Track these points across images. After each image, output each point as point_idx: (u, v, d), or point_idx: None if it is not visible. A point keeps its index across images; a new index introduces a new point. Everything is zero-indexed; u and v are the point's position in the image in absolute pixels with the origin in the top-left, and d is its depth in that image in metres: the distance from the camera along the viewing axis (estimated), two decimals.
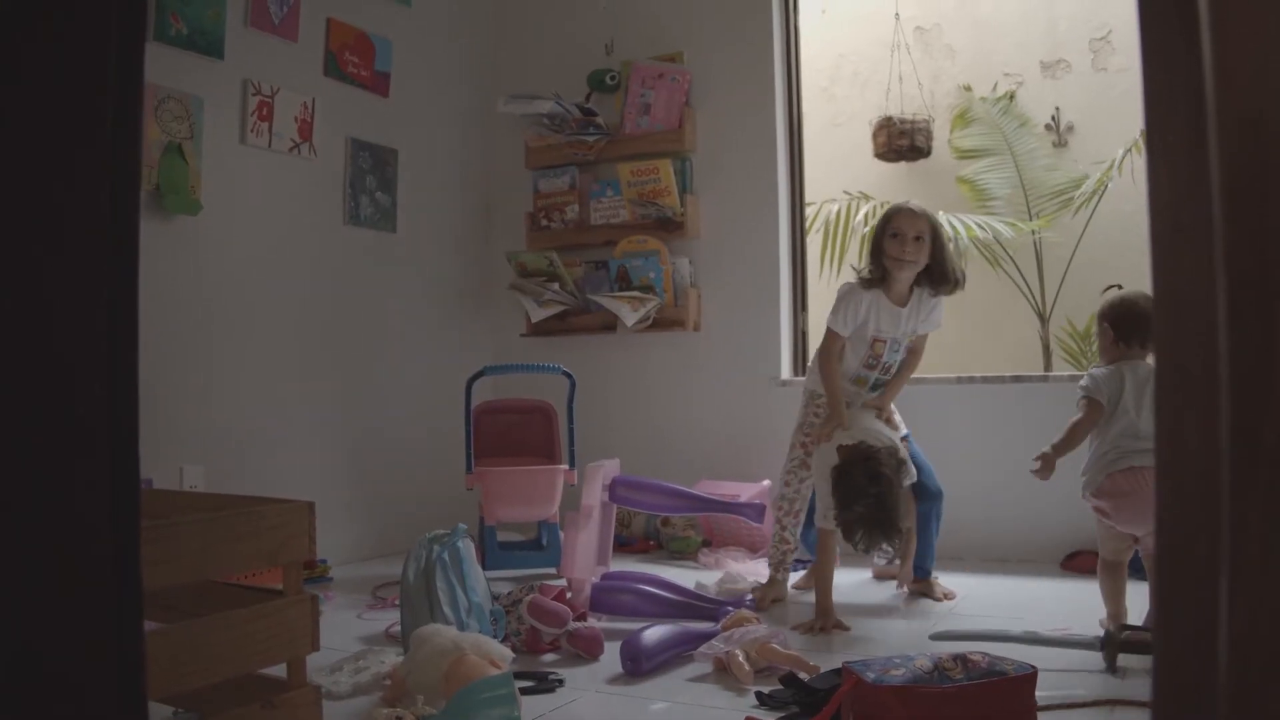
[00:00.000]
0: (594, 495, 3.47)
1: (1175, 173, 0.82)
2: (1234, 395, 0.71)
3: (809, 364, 3.71)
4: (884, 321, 3.44)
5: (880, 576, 3.76)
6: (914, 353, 3.55)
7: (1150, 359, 2.89)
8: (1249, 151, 0.72)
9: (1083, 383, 2.96)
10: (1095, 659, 2.53)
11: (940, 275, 3.41)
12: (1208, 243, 0.75)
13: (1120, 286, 3.17)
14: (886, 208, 3.53)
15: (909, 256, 3.34)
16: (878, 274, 3.40)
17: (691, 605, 3.14)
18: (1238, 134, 0.73)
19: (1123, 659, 2.50)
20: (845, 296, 3.45)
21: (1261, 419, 0.69)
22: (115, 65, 1.18)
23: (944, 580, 3.53)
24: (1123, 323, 2.95)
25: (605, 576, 3.40)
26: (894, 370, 3.53)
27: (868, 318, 3.42)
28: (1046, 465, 2.95)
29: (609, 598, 3.15)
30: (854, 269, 3.57)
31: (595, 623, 2.96)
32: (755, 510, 3.29)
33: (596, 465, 3.56)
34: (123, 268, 1.19)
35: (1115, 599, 2.93)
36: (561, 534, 3.64)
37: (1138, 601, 2.99)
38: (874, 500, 2.99)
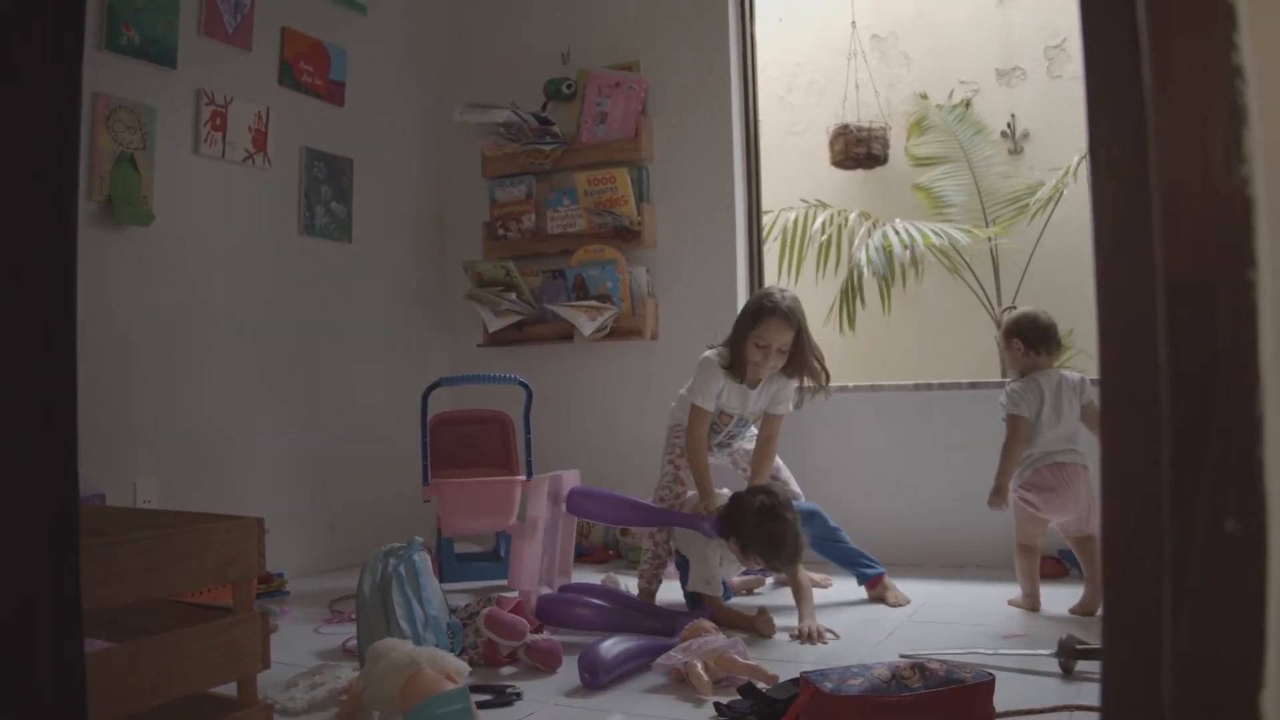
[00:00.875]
0: (540, 507, 3.43)
1: (1119, 187, 0.83)
2: (1173, 413, 0.71)
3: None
4: (733, 400, 3.61)
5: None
6: (768, 439, 3.64)
7: (1056, 365, 3.31)
8: (1188, 166, 0.72)
9: (1001, 401, 3.30)
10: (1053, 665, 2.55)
11: (795, 368, 3.54)
12: (1150, 258, 0.75)
13: (1015, 307, 3.55)
14: (759, 300, 3.54)
15: (766, 372, 3.51)
16: (737, 365, 3.53)
17: (645, 617, 3.11)
18: (1177, 148, 0.73)
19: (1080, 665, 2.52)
20: (705, 370, 3.58)
21: (1200, 437, 0.70)
22: (52, 76, 1.16)
23: (901, 587, 3.54)
24: (1031, 335, 3.28)
25: (562, 588, 3.38)
26: (737, 438, 3.73)
27: (720, 392, 3.58)
28: (999, 496, 3.27)
29: (560, 610, 3.11)
30: (710, 347, 3.65)
31: (553, 635, 2.94)
32: (713, 524, 3.27)
33: (542, 477, 3.54)
34: (61, 281, 1.17)
35: (1031, 578, 3.27)
36: None
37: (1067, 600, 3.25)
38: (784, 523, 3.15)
